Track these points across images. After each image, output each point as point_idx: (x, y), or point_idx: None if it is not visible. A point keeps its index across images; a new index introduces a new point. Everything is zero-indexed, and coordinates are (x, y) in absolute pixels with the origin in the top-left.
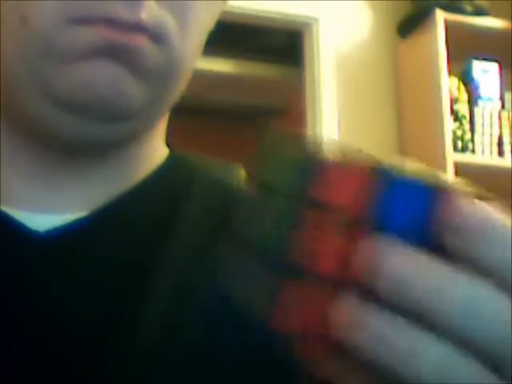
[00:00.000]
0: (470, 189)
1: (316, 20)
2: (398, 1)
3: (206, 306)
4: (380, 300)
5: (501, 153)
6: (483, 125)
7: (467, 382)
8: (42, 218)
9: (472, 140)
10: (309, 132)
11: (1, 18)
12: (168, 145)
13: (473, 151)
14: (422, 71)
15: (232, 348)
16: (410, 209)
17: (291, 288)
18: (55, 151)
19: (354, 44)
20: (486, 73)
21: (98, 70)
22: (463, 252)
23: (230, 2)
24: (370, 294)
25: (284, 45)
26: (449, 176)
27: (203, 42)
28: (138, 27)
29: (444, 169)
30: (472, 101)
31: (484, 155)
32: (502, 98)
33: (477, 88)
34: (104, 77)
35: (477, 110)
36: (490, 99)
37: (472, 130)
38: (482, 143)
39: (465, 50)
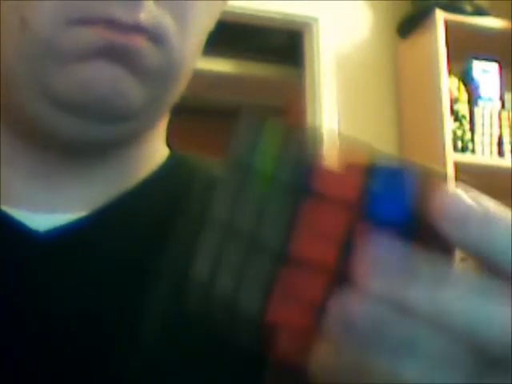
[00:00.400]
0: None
1: (316, 20)
2: (398, 1)
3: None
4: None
5: (501, 153)
6: (483, 125)
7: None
8: (42, 217)
9: (472, 140)
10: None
11: (1, 18)
12: (168, 145)
13: (473, 151)
14: (422, 71)
15: (232, 348)
16: (394, 195)
17: (287, 277)
18: (55, 151)
19: (354, 44)
20: (485, 73)
21: (97, 71)
22: (457, 238)
23: (229, 2)
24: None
25: (284, 45)
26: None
27: (203, 43)
28: (138, 28)
29: (444, 169)
30: (472, 101)
31: (484, 155)
32: (502, 98)
33: (477, 88)
34: (103, 77)
35: (477, 110)
36: (489, 99)
37: (472, 130)
38: (482, 143)
39: (465, 50)
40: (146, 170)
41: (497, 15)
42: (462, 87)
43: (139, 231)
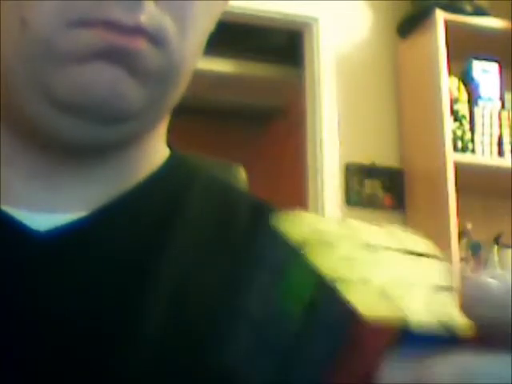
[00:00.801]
0: None
1: (316, 20)
2: (398, 1)
3: (205, 306)
4: None
5: (501, 153)
6: (483, 125)
7: None
8: (42, 217)
9: (472, 140)
10: (309, 132)
11: (1, 20)
12: (169, 145)
13: (473, 151)
14: (422, 71)
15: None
16: None
17: None
18: (55, 152)
19: (354, 44)
20: (485, 73)
21: (97, 73)
22: None
23: (230, 2)
24: None
25: (284, 45)
26: (449, 176)
27: (203, 44)
28: (138, 30)
29: (444, 169)
30: (472, 101)
31: (484, 155)
32: (502, 98)
33: (477, 88)
34: (103, 79)
35: (477, 110)
36: (489, 99)
37: (472, 130)
38: (482, 143)
39: (465, 50)
40: (146, 170)
41: (497, 15)
42: (462, 87)
43: (139, 231)
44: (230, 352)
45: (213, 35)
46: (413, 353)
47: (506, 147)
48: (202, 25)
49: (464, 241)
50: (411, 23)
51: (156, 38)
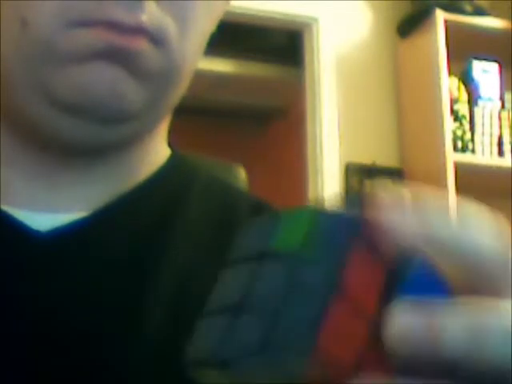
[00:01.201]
0: None
1: (316, 20)
2: (398, 1)
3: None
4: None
5: (501, 153)
6: (483, 125)
7: None
8: (43, 217)
9: (472, 140)
10: (309, 132)
11: (1, 20)
12: (170, 145)
13: (473, 151)
14: (422, 71)
15: None
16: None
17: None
18: (55, 152)
19: (354, 44)
20: (486, 73)
21: (97, 73)
22: None
23: (230, 2)
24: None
25: (284, 45)
26: (449, 176)
27: (204, 44)
28: (138, 30)
29: (444, 169)
30: (472, 101)
31: (484, 155)
32: (502, 98)
33: (477, 88)
34: (103, 79)
35: (477, 110)
36: (490, 99)
37: (472, 130)
38: (482, 143)
39: (465, 50)
40: (147, 170)
41: (497, 15)
42: (462, 87)
43: (140, 231)
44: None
45: (213, 35)
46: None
47: (506, 147)
48: (203, 25)
49: None
50: (411, 23)
51: (157, 38)
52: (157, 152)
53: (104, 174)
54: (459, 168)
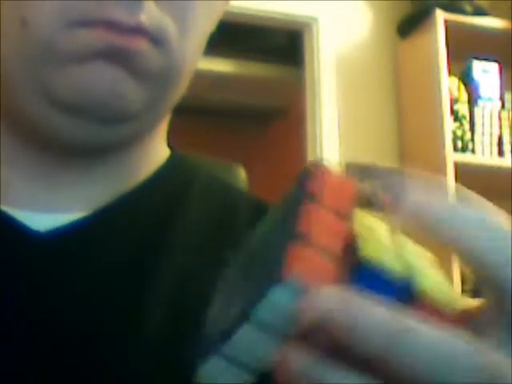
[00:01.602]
0: None
1: (316, 20)
2: (398, 1)
3: (206, 307)
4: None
5: (501, 153)
6: (483, 125)
7: None
8: (43, 217)
9: (472, 140)
10: (309, 132)
11: (1, 20)
12: (170, 145)
13: (473, 151)
14: (422, 71)
15: None
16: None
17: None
18: (55, 152)
19: (354, 44)
20: (486, 73)
21: (97, 73)
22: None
23: (230, 2)
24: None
25: (284, 45)
26: (449, 176)
27: (204, 44)
28: (138, 30)
29: (444, 169)
30: (472, 101)
31: (484, 155)
32: (502, 98)
33: (477, 88)
34: (103, 79)
35: (477, 110)
36: (490, 99)
37: (472, 130)
38: (482, 143)
39: (465, 50)
40: (147, 170)
41: (497, 15)
42: (462, 87)
43: (139, 232)
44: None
45: (213, 35)
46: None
47: (506, 147)
48: (203, 25)
49: None
50: (411, 23)
51: (156, 38)
52: (157, 152)
53: (104, 174)
54: (459, 168)
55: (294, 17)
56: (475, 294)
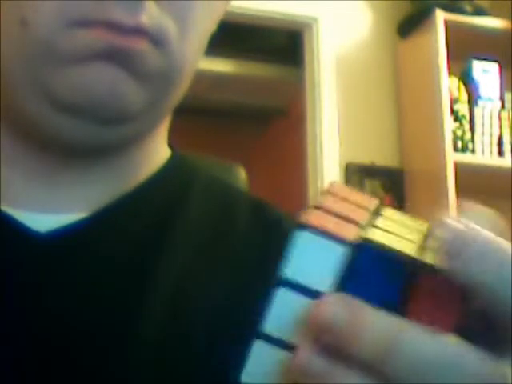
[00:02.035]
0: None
1: (316, 20)
2: (398, 1)
3: (206, 307)
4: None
5: (501, 153)
6: (483, 125)
7: None
8: (43, 218)
9: (472, 140)
10: (309, 132)
11: (1, 20)
12: (170, 146)
13: (473, 151)
14: (422, 71)
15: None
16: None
17: None
18: (55, 152)
19: (354, 44)
20: (486, 73)
21: (97, 73)
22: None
23: (230, 2)
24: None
25: (284, 45)
26: (449, 176)
27: (205, 44)
28: (138, 30)
29: (444, 169)
30: (472, 101)
31: (484, 155)
32: (502, 98)
33: (477, 88)
34: (103, 80)
35: (477, 110)
36: (489, 99)
37: (472, 130)
38: (482, 143)
39: (465, 50)
40: (147, 171)
41: (497, 15)
42: (462, 87)
43: (140, 232)
44: (230, 352)
45: (213, 35)
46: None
47: (506, 147)
48: (204, 25)
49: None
50: (411, 23)
51: (157, 39)
52: (157, 152)
53: (104, 174)
54: (459, 168)
55: (293, 17)
56: None
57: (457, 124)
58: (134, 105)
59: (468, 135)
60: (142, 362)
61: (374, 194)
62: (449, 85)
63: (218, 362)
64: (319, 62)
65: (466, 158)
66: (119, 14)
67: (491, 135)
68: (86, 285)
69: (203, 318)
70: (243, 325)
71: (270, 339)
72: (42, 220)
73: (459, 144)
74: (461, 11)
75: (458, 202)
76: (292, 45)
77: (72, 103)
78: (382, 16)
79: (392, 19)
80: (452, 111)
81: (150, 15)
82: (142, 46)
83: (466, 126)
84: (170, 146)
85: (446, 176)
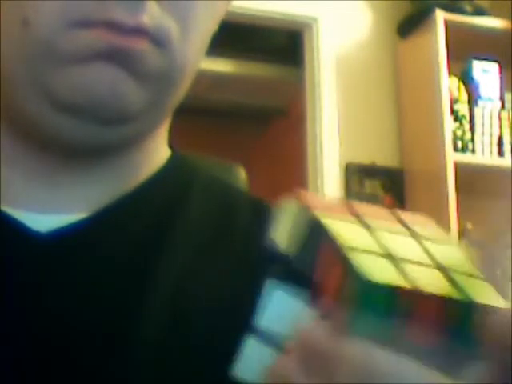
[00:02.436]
0: None
1: (316, 20)
2: (398, 1)
3: (206, 307)
4: None
5: (501, 153)
6: (483, 125)
7: None
8: (43, 218)
9: (472, 140)
10: (309, 132)
11: (2, 20)
12: (170, 146)
13: (473, 151)
14: (422, 71)
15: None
16: None
17: None
18: (55, 152)
19: (354, 44)
20: (485, 73)
21: (97, 73)
22: None
23: (231, 2)
24: None
25: (284, 45)
26: (449, 176)
27: (206, 45)
28: (139, 31)
29: (444, 169)
30: (472, 101)
31: (484, 155)
32: (502, 98)
33: (477, 88)
34: (103, 80)
35: (477, 110)
36: (489, 99)
37: (472, 130)
38: (482, 143)
39: (465, 50)
40: (147, 171)
41: (497, 15)
42: (462, 87)
43: (140, 232)
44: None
45: (213, 35)
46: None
47: (506, 147)
48: (205, 25)
49: (464, 241)
50: (411, 23)
51: (158, 39)
52: (157, 153)
53: (104, 174)
54: (459, 168)
55: (294, 17)
56: None
57: (457, 124)
58: (134, 105)
59: (468, 135)
60: (141, 361)
61: (373, 193)
62: (449, 85)
63: (218, 361)
64: (319, 61)
65: (466, 158)
66: (120, 14)
67: (491, 135)
68: (86, 285)
69: (203, 318)
70: (243, 325)
71: (262, 335)
72: (42, 220)
73: (459, 144)
74: (461, 11)
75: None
76: (292, 45)
77: (72, 103)
78: (382, 16)
79: (392, 19)
80: (452, 111)
81: (151, 15)
82: (142, 46)
83: (466, 126)
84: (170, 146)
85: (445, 176)
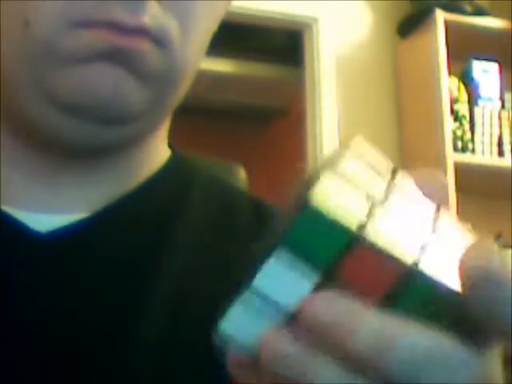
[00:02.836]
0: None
1: (316, 20)
2: (398, 1)
3: (206, 307)
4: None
5: (501, 153)
6: (483, 125)
7: None
8: (44, 218)
9: (472, 140)
10: (309, 132)
11: (3, 20)
12: (170, 146)
13: (473, 151)
14: (422, 71)
15: None
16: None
17: None
18: (56, 153)
19: (354, 44)
20: (485, 73)
21: (99, 73)
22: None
23: (231, 2)
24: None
25: (284, 45)
26: (449, 176)
27: (206, 45)
28: (140, 31)
29: (444, 169)
30: (472, 101)
31: (484, 155)
32: (502, 98)
33: (477, 88)
34: (105, 80)
35: (477, 110)
36: (489, 99)
37: (472, 130)
38: (482, 143)
39: (465, 50)
40: (148, 171)
41: (497, 15)
42: (462, 87)
43: (140, 233)
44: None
45: (213, 35)
46: None
47: (506, 147)
48: (205, 25)
49: None
50: (411, 23)
51: (159, 39)
52: (157, 153)
53: (105, 174)
54: (459, 168)
55: (294, 17)
56: None
57: (457, 124)
58: (135, 105)
59: (468, 135)
60: (142, 361)
61: None
62: (449, 85)
63: (218, 361)
64: (319, 61)
65: (466, 157)
66: (121, 14)
67: (491, 135)
68: (86, 285)
69: (203, 318)
70: None
71: (259, 296)
72: (43, 220)
73: (459, 144)
74: (461, 11)
75: (457, 202)
76: (292, 45)
77: (73, 103)
78: (382, 16)
79: (392, 19)
80: (452, 111)
81: (152, 15)
82: (143, 46)
83: (466, 126)
84: (170, 146)
85: (445, 176)
